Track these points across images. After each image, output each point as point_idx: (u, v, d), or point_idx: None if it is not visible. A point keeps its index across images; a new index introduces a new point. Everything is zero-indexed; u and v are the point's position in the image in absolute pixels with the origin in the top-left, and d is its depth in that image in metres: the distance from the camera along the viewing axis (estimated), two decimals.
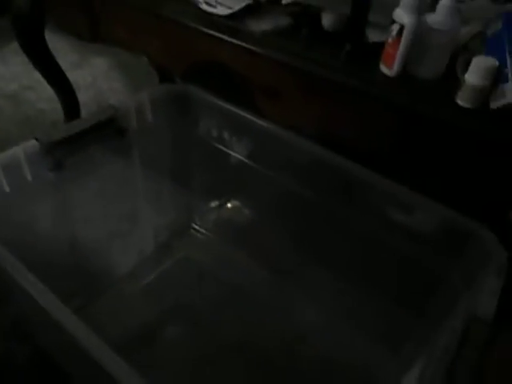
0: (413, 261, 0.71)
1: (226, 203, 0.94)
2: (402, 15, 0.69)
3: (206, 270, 0.85)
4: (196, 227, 0.93)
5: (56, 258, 0.69)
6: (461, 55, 0.72)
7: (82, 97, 0.97)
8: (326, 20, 0.81)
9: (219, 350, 0.71)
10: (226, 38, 0.83)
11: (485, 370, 0.56)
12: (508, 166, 0.66)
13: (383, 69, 0.74)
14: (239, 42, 0.82)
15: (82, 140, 0.69)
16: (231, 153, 0.89)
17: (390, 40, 0.71)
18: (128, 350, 0.68)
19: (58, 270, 0.66)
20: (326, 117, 0.82)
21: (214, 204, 0.95)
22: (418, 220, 0.71)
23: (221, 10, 0.86)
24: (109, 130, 0.74)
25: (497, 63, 0.64)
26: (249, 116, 0.82)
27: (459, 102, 0.68)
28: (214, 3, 0.87)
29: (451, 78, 0.72)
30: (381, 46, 0.75)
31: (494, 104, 0.66)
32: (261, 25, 0.82)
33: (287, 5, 0.83)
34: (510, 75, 0.64)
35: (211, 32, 0.85)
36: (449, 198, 0.68)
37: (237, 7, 0.83)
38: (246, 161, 0.89)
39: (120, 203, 0.80)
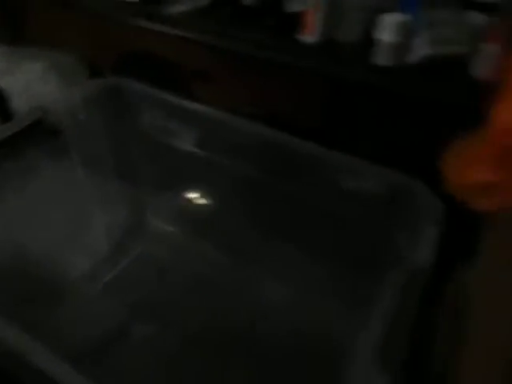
0: (360, 224, 0.74)
1: (178, 195, 0.94)
2: None
3: (165, 264, 0.85)
4: (150, 222, 0.93)
5: (3, 268, 0.69)
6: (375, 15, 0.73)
7: (16, 103, 0.95)
8: None
9: (186, 341, 0.72)
10: (143, 24, 0.82)
11: (434, 320, 0.59)
12: (430, 117, 0.69)
13: (305, 37, 0.75)
14: (158, 27, 0.82)
15: (12, 144, 0.69)
16: (175, 143, 0.89)
17: (308, 8, 0.72)
18: (93, 353, 0.70)
19: (6, 280, 0.66)
20: (259, 94, 0.82)
21: (165, 197, 0.95)
22: (360, 184, 0.74)
23: None
24: (39, 132, 0.73)
25: (407, 18, 0.66)
26: (187, 103, 0.82)
27: (378, 61, 0.70)
28: None
29: (370, 39, 0.73)
30: (299, 15, 0.76)
31: (410, 59, 0.68)
32: (178, 6, 0.81)
33: None
34: (421, 29, 0.66)
35: (128, 20, 0.84)
36: (384, 158, 0.71)
37: None
38: (193, 149, 0.89)
39: (66, 206, 0.80)
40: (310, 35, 0.73)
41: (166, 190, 0.95)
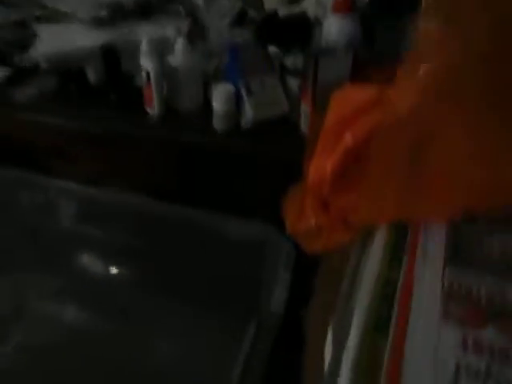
0: (231, 272, 0.79)
1: (61, 272, 0.94)
2: (146, 62, 0.75)
3: (54, 346, 0.84)
4: (34, 305, 0.92)
5: None
6: (210, 85, 0.81)
7: None
8: (91, 74, 0.85)
9: None
10: None
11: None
12: (270, 171, 0.77)
13: (148, 110, 0.80)
14: (9, 113, 0.82)
15: None
16: (51, 221, 0.89)
17: (144, 84, 0.77)
18: None
19: None
20: (117, 165, 0.85)
21: (47, 277, 0.94)
22: (225, 235, 0.79)
23: None
24: None
25: (232, 88, 0.74)
26: (55, 181, 0.84)
27: (216, 126, 0.77)
28: None
29: (208, 106, 0.80)
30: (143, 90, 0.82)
31: (242, 123, 0.76)
32: (25, 91, 0.82)
33: (48, 67, 0.85)
34: (244, 97, 0.74)
35: None
36: (238, 210, 0.77)
37: None
38: (69, 225, 0.90)
39: None
40: (150, 107, 0.78)
41: (46, 270, 0.94)
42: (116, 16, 0.89)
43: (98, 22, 0.87)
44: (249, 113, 0.73)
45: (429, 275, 0.25)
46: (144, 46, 0.75)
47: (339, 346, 0.28)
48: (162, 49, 0.78)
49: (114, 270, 0.95)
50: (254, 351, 0.59)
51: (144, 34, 0.82)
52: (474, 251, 0.28)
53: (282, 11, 0.94)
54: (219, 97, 0.74)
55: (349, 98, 0.58)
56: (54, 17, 0.90)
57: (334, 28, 0.72)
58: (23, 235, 0.93)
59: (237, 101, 0.75)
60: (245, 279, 0.79)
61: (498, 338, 0.22)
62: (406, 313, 0.24)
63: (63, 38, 0.86)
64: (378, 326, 0.26)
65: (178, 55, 0.76)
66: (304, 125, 0.75)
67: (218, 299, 0.81)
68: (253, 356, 0.58)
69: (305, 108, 0.73)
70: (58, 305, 0.93)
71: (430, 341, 0.22)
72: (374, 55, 0.75)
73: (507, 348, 0.21)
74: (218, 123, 0.76)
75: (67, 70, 0.87)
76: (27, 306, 0.92)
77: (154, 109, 0.78)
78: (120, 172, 0.85)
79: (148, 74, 0.75)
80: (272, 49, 0.84)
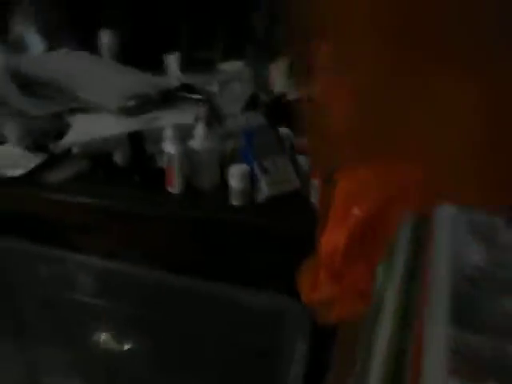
0: (247, 344, 0.80)
1: (73, 345, 0.94)
2: (168, 146, 0.83)
3: None
4: (45, 379, 0.92)
5: None
6: (227, 165, 0.88)
7: None
8: (118, 157, 0.93)
9: None
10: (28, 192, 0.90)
11: None
12: (285, 243, 0.81)
13: (170, 189, 0.86)
14: (43, 194, 0.89)
15: None
16: (68, 295, 0.92)
17: (165, 166, 0.85)
18: None
19: None
20: (136, 239, 0.90)
21: (60, 350, 0.94)
22: (241, 310, 0.81)
23: (16, 172, 0.92)
24: None
25: (248, 168, 0.81)
26: (72, 255, 0.88)
27: (233, 202, 0.82)
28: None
29: (225, 185, 0.87)
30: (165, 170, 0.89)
31: (258, 199, 0.82)
32: (58, 174, 0.90)
33: (79, 153, 0.94)
34: (259, 176, 0.80)
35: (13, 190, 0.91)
36: (255, 281, 0.80)
37: (31, 165, 0.91)
38: (86, 299, 0.93)
39: None
40: (172, 187, 0.85)
41: (59, 342, 0.95)
42: (142, 105, 1.00)
43: (126, 112, 0.97)
44: (264, 190, 0.79)
45: (436, 337, 0.28)
46: (168, 132, 0.84)
47: None
48: (183, 134, 0.86)
49: (127, 345, 0.95)
50: None
51: (167, 121, 0.91)
52: (478, 313, 0.31)
53: (291, 95, 1.04)
54: (236, 176, 0.80)
55: (355, 174, 0.63)
56: (86, 108, 1.00)
57: None
58: (39, 307, 0.95)
59: (251, 179, 0.81)
60: (260, 352, 0.80)
61: None
62: (417, 371, 0.27)
63: (94, 127, 0.95)
64: None
65: (198, 139, 0.84)
66: (314, 198, 0.80)
67: (234, 376, 0.81)
68: None
69: (314, 183, 0.79)
70: (68, 379, 0.93)
71: None
72: None
73: None
74: (234, 199, 0.81)
75: (97, 155, 0.95)
76: (39, 381, 0.92)
77: (174, 187, 0.85)
78: (140, 245, 0.90)
79: (170, 156, 0.82)
80: (283, 130, 0.92)
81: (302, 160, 0.84)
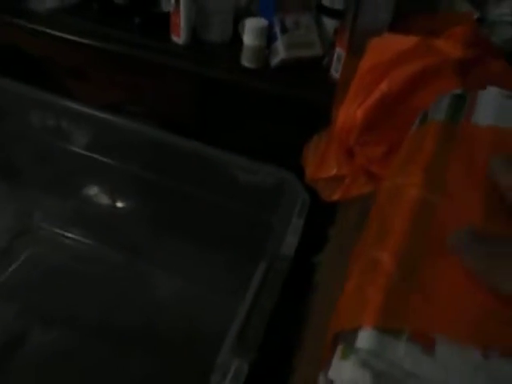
0: (242, 215, 0.78)
1: (69, 197, 0.92)
2: None
3: (56, 267, 0.83)
4: (40, 225, 0.91)
5: None
6: (242, 18, 0.77)
7: None
8: None
9: (83, 341, 0.72)
10: (8, 20, 0.78)
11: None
12: (294, 114, 0.74)
13: (174, 38, 0.76)
14: (24, 24, 0.78)
15: None
16: (62, 144, 0.87)
17: (171, 9, 0.73)
18: None
19: None
20: (135, 92, 0.82)
21: (55, 200, 0.93)
22: (236, 178, 0.78)
23: None
24: None
25: (266, 23, 0.70)
26: (70, 103, 0.80)
27: (244, 63, 0.73)
28: None
29: (238, 41, 0.77)
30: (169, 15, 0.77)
31: (272, 62, 0.73)
32: (46, 2, 0.78)
33: None
34: (278, 33, 0.70)
35: None
36: (254, 152, 0.75)
37: None
38: (81, 151, 0.88)
39: None
40: (177, 36, 0.75)
41: (55, 193, 0.93)
42: None
43: None
44: (281, 51, 0.70)
45: None
46: None
47: None
48: None
49: (121, 202, 0.94)
50: (262, 291, 0.59)
51: None
52: None
53: None
54: (251, 31, 0.70)
55: (388, 45, 0.55)
56: None
57: None
58: (33, 154, 0.91)
59: (268, 37, 0.71)
60: (256, 222, 0.79)
61: None
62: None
63: None
64: None
65: None
66: (335, 70, 0.71)
67: (226, 240, 0.81)
68: (260, 296, 0.58)
69: (339, 52, 0.70)
70: (63, 228, 0.93)
71: None
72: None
73: None
74: (246, 60, 0.72)
75: None
76: (35, 225, 0.92)
77: (180, 37, 0.74)
78: (139, 100, 0.83)
79: None
80: None
81: (328, 24, 0.73)
